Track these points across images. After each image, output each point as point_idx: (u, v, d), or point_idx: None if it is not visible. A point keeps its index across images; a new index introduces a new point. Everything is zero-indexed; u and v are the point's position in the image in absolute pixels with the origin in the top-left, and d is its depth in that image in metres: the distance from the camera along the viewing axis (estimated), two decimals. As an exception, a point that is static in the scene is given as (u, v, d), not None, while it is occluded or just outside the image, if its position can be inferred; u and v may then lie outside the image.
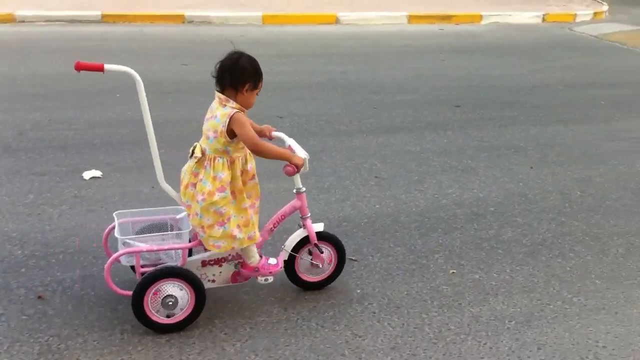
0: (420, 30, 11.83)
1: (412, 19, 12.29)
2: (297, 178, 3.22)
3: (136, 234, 3.23)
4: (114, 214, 3.28)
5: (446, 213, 4.54)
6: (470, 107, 7.15)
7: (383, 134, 6.15)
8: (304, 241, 3.39)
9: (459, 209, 4.60)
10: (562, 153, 5.85)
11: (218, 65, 3.02)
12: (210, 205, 2.99)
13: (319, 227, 3.42)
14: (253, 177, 3.15)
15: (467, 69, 8.96)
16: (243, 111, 3.02)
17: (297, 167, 3.08)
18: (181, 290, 3.05)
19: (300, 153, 3.13)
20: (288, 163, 3.08)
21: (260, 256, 3.26)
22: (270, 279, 3.30)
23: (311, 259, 3.43)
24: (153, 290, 3.00)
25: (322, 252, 3.43)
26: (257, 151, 3.04)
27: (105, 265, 3.04)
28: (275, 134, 3.35)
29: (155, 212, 3.40)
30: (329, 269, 3.50)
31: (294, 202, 3.32)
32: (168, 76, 7.81)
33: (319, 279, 3.50)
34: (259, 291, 3.47)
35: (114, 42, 9.59)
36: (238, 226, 3.09)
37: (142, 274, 3.06)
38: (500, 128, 6.49)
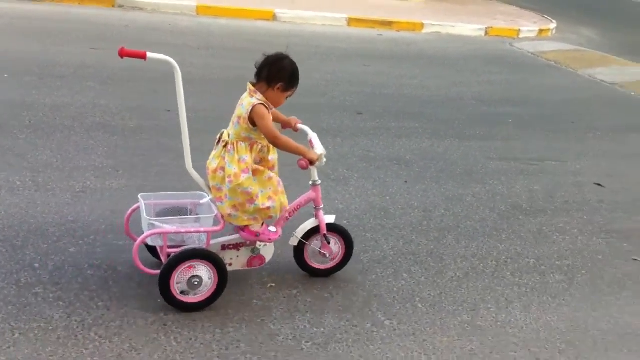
0: (357, 34, 11.68)
1: (352, 22, 12.14)
2: (314, 171, 3.47)
3: (156, 216, 3.33)
4: (139, 195, 3.40)
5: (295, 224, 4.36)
6: (373, 115, 7.00)
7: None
8: (314, 230, 3.60)
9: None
10: (445, 169, 5.72)
11: (263, 59, 3.26)
12: (237, 186, 3.19)
13: (331, 218, 3.67)
14: (273, 167, 3.37)
15: (388, 76, 8.82)
16: (267, 106, 3.23)
17: (311, 162, 3.32)
18: (206, 271, 3.21)
19: (318, 148, 3.38)
20: (302, 157, 3.31)
21: (262, 224, 3.39)
22: (267, 245, 3.45)
23: (319, 248, 3.63)
24: (180, 270, 3.15)
25: (329, 243, 3.63)
26: (275, 143, 3.26)
27: (134, 245, 3.20)
28: (300, 126, 3.56)
29: (178, 196, 3.54)
30: (336, 259, 3.71)
31: (309, 194, 3.54)
32: (68, 59, 7.52)
33: (326, 267, 3.72)
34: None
35: (37, 22, 9.28)
36: (269, 198, 3.30)
37: (168, 255, 3.20)
38: (393, 139, 6.35)
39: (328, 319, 3.35)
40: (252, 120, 3.18)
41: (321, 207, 3.58)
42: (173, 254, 3.17)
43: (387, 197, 4.99)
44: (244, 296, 3.46)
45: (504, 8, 16.78)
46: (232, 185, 3.20)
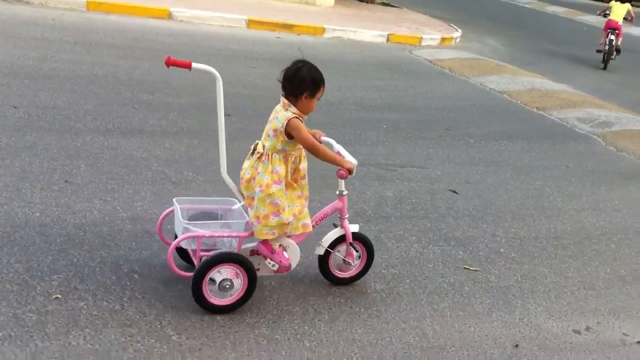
0: (255, 35, 11.47)
1: (251, 23, 11.92)
2: (342, 182, 3.58)
3: (189, 220, 3.45)
4: (174, 200, 3.52)
5: (110, 228, 4.10)
6: (242, 117, 6.78)
7: (118, 136, 5.67)
8: (339, 239, 3.72)
9: (130, 224, 4.17)
10: (320, 174, 5.53)
11: (282, 73, 3.38)
12: (267, 196, 3.29)
13: (355, 228, 3.78)
14: (304, 177, 3.47)
15: (271, 79, 8.55)
16: (301, 117, 3.34)
17: (350, 171, 3.44)
18: (237, 275, 3.34)
19: (351, 159, 3.50)
20: (341, 167, 3.44)
21: (280, 246, 3.50)
22: (276, 266, 3.51)
23: (344, 256, 3.76)
24: (213, 273, 3.28)
25: (357, 251, 3.79)
26: (315, 153, 3.38)
27: (170, 248, 3.36)
28: (324, 139, 3.64)
29: (209, 201, 3.70)
30: (357, 267, 3.84)
31: (336, 203, 3.68)
32: None
33: (347, 276, 3.85)
34: None
35: None
36: (294, 215, 3.40)
37: (200, 258, 3.34)
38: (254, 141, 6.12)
39: (109, 334, 3.10)
40: (288, 133, 3.28)
41: (346, 216, 3.70)
42: (206, 257, 3.29)
43: (225, 202, 4.77)
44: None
45: (415, 16, 16.92)
46: (262, 195, 3.29)
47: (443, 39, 13.92)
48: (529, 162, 6.98)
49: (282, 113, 3.34)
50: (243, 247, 3.46)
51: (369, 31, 12.91)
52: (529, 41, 17.10)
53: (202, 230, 3.35)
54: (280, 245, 3.49)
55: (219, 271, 3.30)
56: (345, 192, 3.64)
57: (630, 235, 5.45)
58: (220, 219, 3.58)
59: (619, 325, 4.01)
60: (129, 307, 3.33)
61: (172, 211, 3.58)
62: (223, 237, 3.44)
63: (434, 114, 8.21)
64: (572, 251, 4.94)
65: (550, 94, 10.27)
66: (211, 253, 3.34)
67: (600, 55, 14.54)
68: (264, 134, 3.40)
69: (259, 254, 3.52)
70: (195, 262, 3.39)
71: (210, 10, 11.96)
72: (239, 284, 3.37)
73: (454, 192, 5.69)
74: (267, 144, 3.35)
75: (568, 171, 6.88)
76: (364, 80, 9.45)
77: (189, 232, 3.34)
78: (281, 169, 3.32)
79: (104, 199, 4.49)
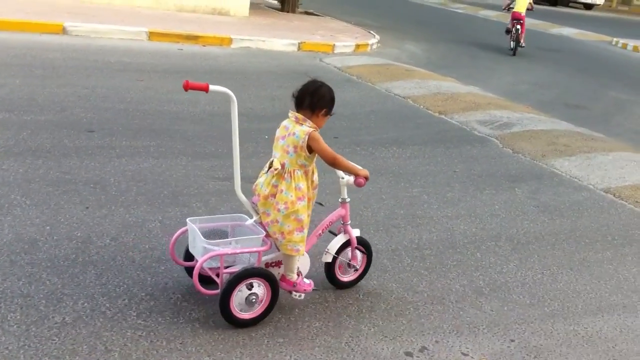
0: (156, 48, 11.02)
1: (153, 35, 11.47)
2: (344, 189, 3.78)
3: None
4: (187, 220, 3.58)
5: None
6: (106, 133, 6.34)
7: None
8: (344, 245, 3.92)
9: None
10: (149, 191, 5.15)
11: (301, 88, 3.49)
12: (292, 213, 3.38)
13: (356, 232, 3.95)
14: (316, 187, 3.58)
15: (156, 91, 8.20)
16: (317, 130, 3.43)
17: (366, 178, 3.56)
18: (260, 288, 3.46)
19: (361, 168, 3.60)
20: (359, 176, 3.54)
21: (298, 274, 3.62)
22: (302, 296, 3.66)
23: (349, 261, 3.97)
24: (239, 288, 3.39)
25: (362, 254, 4.00)
26: (335, 164, 3.49)
27: (195, 267, 3.38)
28: None
29: (217, 219, 3.77)
30: (359, 270, 4.05)
31: (339, 211, 3.84)
32: None
33: (350, 279, 4.05)
34: None
35: None
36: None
37: (222, 275, 3.43)
38: (111, 158, 5.71)
39: None
40: (309, 146, 3.35)
41: (349, 222, 3.87)
42: (233, 274, 3.37)
43: (48, 227, 4.33)
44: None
45: (334, 24, 16.66)
46: (287, 212, 3.37)
47: (357, 46, 13.66)
48: (414, 168, 6.69)
49: (297, 128, 3.39)
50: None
51: (279, 40, 12.57)
52: (453, 45, 16.99)
53: (223, 248, 3.41)
54: (298, 275, 3.62)
55: (247, 286, 3.41)
56: (348, 200, 3.82)
57: (502, 242, 5.17)
58: (229, 236, 3.65)
59: (459, 343, 3.69)
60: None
61: (185, 232, 3.64)
62: (244, 252, 3.50)
63: (328, 121, 7.86)
64: (430, 262, 4.62)
65: (456, 97, 10.06)
66: (235, 269, 3.45)
67: (508, 37, 16.63)
68: (278, 151, 3.43)
69: (273, 266, 3.63)
70: (219, 280, 3.45)
71: (110, 23, 11.48)
72: (263, 296, 3.48)
73: (320, 204, 5.34)
74: (286, 161, 3.39)
75: (453, 176, 6.61)
76: (260, 90, 9.09)
77: (211, 251, 3.39)
78: (303, 185, 3.41)
79: None
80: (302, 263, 3.69)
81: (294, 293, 3.64)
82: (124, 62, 9.61)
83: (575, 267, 4.92)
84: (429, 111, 9.33)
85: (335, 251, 3.87)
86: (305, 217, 3.44)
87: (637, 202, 6.56)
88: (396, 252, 4.71)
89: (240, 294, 3.41)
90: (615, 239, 5.60)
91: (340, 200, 3.82)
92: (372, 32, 15.93)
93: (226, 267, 3.47)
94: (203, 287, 3.45)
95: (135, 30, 11.41)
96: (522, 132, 8.56)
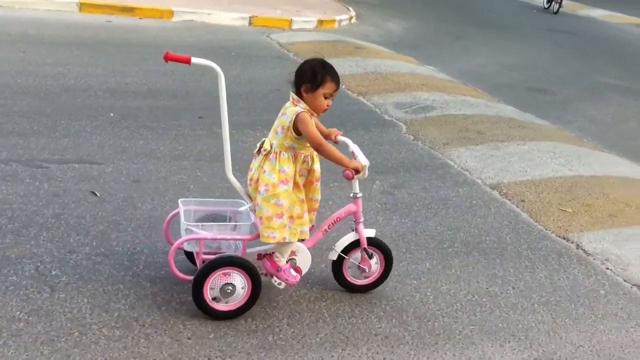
0: (83, 20, 10.35)
1: (84, 7, 10.81)
2: (356, 183, 3.44)
3: (196, 222, 3.34)
4: (179, 201, 3.44)
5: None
6: None
7: None
8: (354, 244, 3.56)
9: None
10: None
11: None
12: (272, 196, 3.16)
13: (371, 232, 3.61)
14: (318, 179, 3.37)
15: (36, 65, 7.53)
16: (312, 114, 3.22)
17: (357, 171, 3.27)
18: (240, 279, 3.23)
19: (362, 160, 3.31)
20: (347, 167, 3.26)
21: (296, 270, 3.39)
22: (282, 285, 3.38)
23: (359, 262, 3.61)
24: (214, 277, 3.18)
25: (371, 257, 3.61)
26: (320, 151, 3.22)
27: (170, 250, 3.25)
28: (340, 138, 3.49)
29: (217, 203, 3.63)
30: (375, 274, 3.68)
31: (350, 206, 3.52)
32: None
33: (364, 283, 3.70)
34: None
35: None
36: (291, 217, 3.22)
37: (203, 261, 3.23)
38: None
39: None
40: (296, 128, 3.17)
41: (361, 220, 3.54)
42: (207, 261, 3.19)
43: None
44: None
45: (313, -1, 15.69)
46: (267, 195, 3.17)
47: (321, 22, 12.73)
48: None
49: (290, 109, 3.23)
50: (251, 250, 3.38)
51: (228, 14, 11.75)
52: (446, 25, 15.83)
53: (204, 232, 3.25)
54: (288, 262, 3.37)
55: (223, 275, 3.19)
56: (359, 195, 3.49)
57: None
58: (229, 221, 3.50)
59: None
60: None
61: (177, 213, 3.44)
62: (225, 239, 3.33)
63: (204, 101, 7.05)
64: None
65: (390, 77, 9.08)
66: (214, 257, 3.24)
67: None
68: (271, 132, 3.27)
69: (268, 258, 3.41)
70: (198, 264, 3.28)
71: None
72: (243, 288, 3.25)
73: (94, 193, 4.57)
74: (274, 142, 3.23)
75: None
76: (159, 65, 8.31)
77: (191, 234, 3.24)
78: (289, 168, 3.20)
79: None
80: (302, 259, 3.45)
81: (274, 279, 3.38)
82: (30, 34, 8.96)
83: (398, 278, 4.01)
84: (348, 91, 8.39)
85: (341, 249, 3.56)
86: (286, 202, 3.17)
87: (522, 201, 5.56)
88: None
89: (216, 283, 3.20)
90: (464, 243, 4.65)
91: (351, 195, 3.50)
92: (349, 7, 14.92)
93: (210, 253, 3.32)
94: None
95: (65, 1, 10.76)
96: (438, 116, 7.57)
